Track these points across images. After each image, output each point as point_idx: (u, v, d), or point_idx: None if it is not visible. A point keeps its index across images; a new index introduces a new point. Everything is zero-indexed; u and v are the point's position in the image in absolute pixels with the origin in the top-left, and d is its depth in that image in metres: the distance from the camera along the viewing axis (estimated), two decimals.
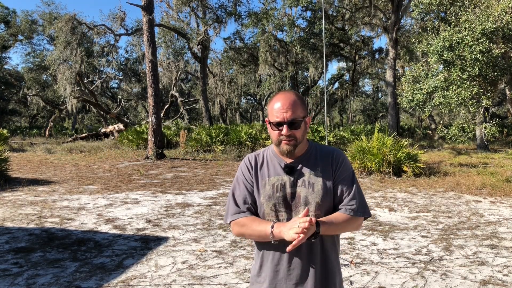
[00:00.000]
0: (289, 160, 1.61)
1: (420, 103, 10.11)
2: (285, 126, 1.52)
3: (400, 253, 4.22)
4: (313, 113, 36.41)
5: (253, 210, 1.61)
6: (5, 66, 38.62)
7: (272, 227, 1.47)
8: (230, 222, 1.61)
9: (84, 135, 24.21)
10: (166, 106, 26.10)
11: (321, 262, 1.56)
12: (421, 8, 10.22)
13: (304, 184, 1.56)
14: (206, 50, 26.44)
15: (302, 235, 1.35)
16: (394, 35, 21.03)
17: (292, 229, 1.38)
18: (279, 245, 1.52)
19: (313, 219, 1.39)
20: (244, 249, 4.39)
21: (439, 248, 4.38)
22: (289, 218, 1.54)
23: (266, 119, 1.65)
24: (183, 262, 4.00)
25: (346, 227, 1.58)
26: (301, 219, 1.39)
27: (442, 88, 9.14)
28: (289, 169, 1.58)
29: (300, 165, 1.60)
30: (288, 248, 1.40)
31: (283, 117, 1.52)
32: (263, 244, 1.59)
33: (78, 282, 3.53)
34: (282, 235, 1.43)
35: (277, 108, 1.54)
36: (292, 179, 1.57)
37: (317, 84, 35.53)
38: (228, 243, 4.61)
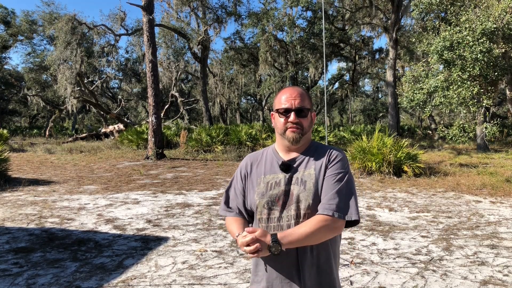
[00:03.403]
0: (289, 157, 1.60)
1: (421, 103, 10.11)
2: (292, 113, 1.55)
3: (400, 253, 4.21)
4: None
5: (239, 212, 1.65)
6: (5, 66, 38.64)
7: (238, 235, 1.49)
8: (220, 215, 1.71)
9: (84, 135, 24.20)
10: (166, 106, 26.08)
11: (312, 260, 1.52)
12: (421, 8, 10.21)
13: (297, 182, 1.55)
14: (206, 50, 26.43)
15: (253, 254, 1.40)
16: (394, 35, 21.02)
17: (243, 249, 1.43)
18: None
19: (251, 237, 1.39)
20: None
21: (439, 248, 4.38)
22: (280, 216, 1.53)
23: (272, 113, 1.66)
24: (183, 262, 3.99)
25: (319, 232, 1.44)
26: (242, 235, 1.43)
27: (442, 88, 9.14)
28: (285, 167, 1.57)
29: (297, 163, 1.59)
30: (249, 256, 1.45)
31: (291, 104, 1.55)
32: None
33: (78, 282, 3.53)
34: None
35: (285, 97, 1.58)
36: (287, 176, 1.56)
37: (317, 84, 35.55)
38: (228, 243, 4.61)
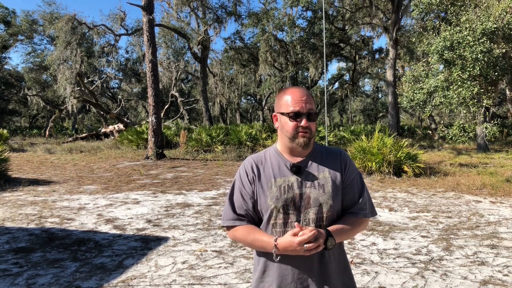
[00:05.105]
0: (294, 160, 1.56)
1: (421, 103, 10.12)
2: (304, 118, 1.48)
3: (400, 253, 4.21)
4: None
5: (250, 217, 1.57)
6: (5, 66, 38.64)
7: (276, 240, 1.44)
8: (225, 226, 1.59)
9: (84, 135, 24.21)
10: (166, 106, 26.09)
11: (335, 261, 1.54)
12: (421, 8, 10.21)
13: (313, 185, 1.51)
14: (206, 50, 26.44)
15: (311, 250, 1.39)
16: (394, 35, 21.02)
17: (298, 249, 1.38)
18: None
19: (313, 232, 1.38)
20: (244, 249, 4.38)
21: (439, 248, 4.38)
22: (298, 220, 1.50)
23: (274, 114, 1.59)
24: (183, 262, 3.99)
25: (357, 231, 1.60)
26: (292, 233, 1.40)
27: (442, 88, 9.14)
28: (297, 169, 1.52)
29: (307, 165, 1.55)
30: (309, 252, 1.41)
31: (302, 107, 1.48)
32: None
33: (78, 282, 3.53)
34: (288, 251, 1.42)
35: (295, 98, 1.50)
36: (299, 179, 1.52)
37: (317, 84, 35.57)
38: (228, 243, 4.61)
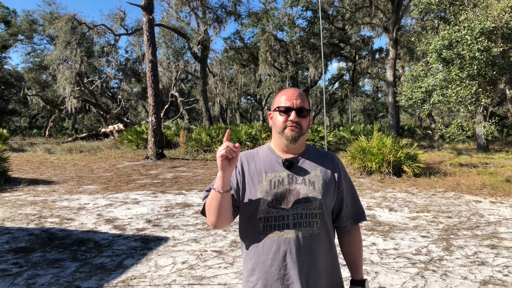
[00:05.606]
0: (287, 157, 1.59)
1: (419, 101, 10.13)
2: (293, 111, 1.54)
3: (400, 253, 4.22)
4: (313, 113, 36.32)
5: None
6: (5, 66, 38.62)
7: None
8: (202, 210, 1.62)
9: (84, 135, 24.20)
10: (166, 106, 26.07)
11: (320, 263, 1.53)
12: (421, 8, 10.22)
13: (304, 182, 1.54)
14: (206, 50, 26.43)
15: None
16: (394, 35, 21.02)
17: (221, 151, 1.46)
18: (270, 244, 1.50)
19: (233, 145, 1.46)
20: None
21: (439, 248, 4.38)
22: (286, 215, 1.51)
23: (269, 112, 1.65)
24: (183, 262, 4.00)
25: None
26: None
27: (441, 87, 9.16)
28: (289, 164, 1.56)
29: (299, 162, 1.59)
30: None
31: (293, 103, 1.55)
32: (252, 242, 1.55)
33: (78, 282, 3.53)
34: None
35: (287, 96, 1.58)
36: (290, 175, 1.55)
37: (317, 84, 35.54)
38: (228, 243, 4.61)
